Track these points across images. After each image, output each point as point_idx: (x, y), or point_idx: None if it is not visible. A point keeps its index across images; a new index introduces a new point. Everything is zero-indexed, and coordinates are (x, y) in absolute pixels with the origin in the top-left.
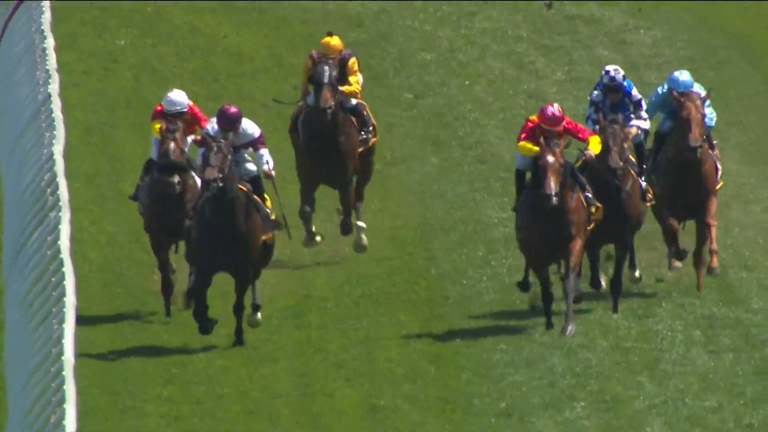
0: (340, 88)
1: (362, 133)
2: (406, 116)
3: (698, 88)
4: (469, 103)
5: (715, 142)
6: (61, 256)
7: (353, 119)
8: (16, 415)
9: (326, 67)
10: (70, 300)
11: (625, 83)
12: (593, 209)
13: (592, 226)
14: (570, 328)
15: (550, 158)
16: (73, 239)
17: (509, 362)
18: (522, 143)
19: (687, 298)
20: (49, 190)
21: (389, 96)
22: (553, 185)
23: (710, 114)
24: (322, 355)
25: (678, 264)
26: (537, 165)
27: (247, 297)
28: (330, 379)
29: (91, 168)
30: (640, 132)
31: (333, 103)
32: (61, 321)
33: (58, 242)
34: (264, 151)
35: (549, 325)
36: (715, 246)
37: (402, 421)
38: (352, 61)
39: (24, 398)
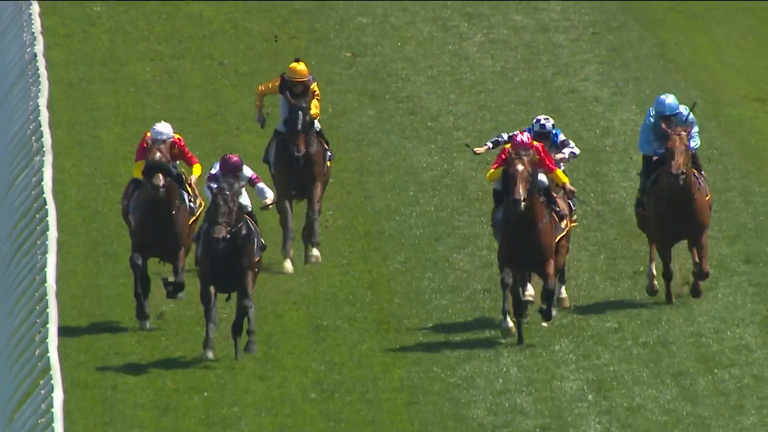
0: (308, 115)
1: (329, 152)
2: (345, 74)
3: (683, 109)
4: (400, 62)
5: (703, 173)
6: (45, 195)
7: (325, 145)
8: (3, 334)
9: (300, 113)
10: (53, 233)
11: (554, 131)
12: (563, 224)
13: (562, 236)
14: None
15: (520, 167)
16: (55, 180)
17: (436, 288)
18: (491, 171)
19: (591, 232)
20: (34, 137)
21: (330, 55)
22: (521, 191)
23: (694, 137)
24: (273, 282)
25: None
26: (507, 174)
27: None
28: (280, 302)
29: (72, 118)
30: (571, 155)
31: (303, 150)
32: (44, 252)
33: (42, 183)
34: (262, 185)
35: (521, 340)
36: (706, 265)
37: (342, 339)
38: (314, 86)
39: (12, 320)
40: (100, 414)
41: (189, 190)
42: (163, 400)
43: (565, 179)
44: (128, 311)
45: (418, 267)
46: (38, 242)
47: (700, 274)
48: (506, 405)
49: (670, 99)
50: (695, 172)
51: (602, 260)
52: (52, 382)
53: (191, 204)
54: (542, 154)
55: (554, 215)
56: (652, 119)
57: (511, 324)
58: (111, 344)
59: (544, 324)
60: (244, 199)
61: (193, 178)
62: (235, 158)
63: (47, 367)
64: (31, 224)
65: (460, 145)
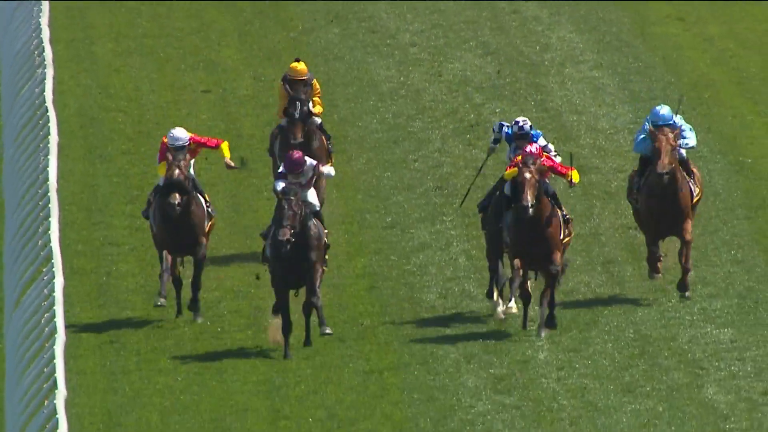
0: (311, 109)
1: (329, 145)
2: None
3: (679, 120)
4: None
5: (694, 168)
6: (46, 104)
7: (323, 138)
8: (10, 228)
9: (298, 103)
10: (54, 138)
11: (533, 132)
12: (567, 230)
13: (567, 240)
14: (542, 333)
15: (527, 174)
16: (55, 91)
17: (393, 186)
18: (507, 172)
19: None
20: (36, 52)
21: None
22: (529, 198)
23: (687, 137)
24: (255, 185)
25: (658, 276)
26: (516, 181)
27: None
28: (259, 199)
29: (70, 35)
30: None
31: (301, 138)
32: (47, 154)
33: (44, 93)
34: (326, 168)
35: (525, 325)
36: (689, 265)
37: None
38: (315, 82)
39: (17, 214)
40: (95, 298)
41: (206, 196)
42: (153, 286)
43: (576, 178)
44: (121, 207)
45: (378, 167)
46: (41, 146)
47: (684, 268)
48: (456, 290)
49: (664, 110)
50: (683, 173)
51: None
52: (53, 269)
53: (208, 209)
54: (552, 163)
55: (560, 217)
56: (647, 127)
57: (501, 311)
58: (106, 235)
59: (542, 334)
60: (312, 198)
61: (227, 158)
62: (297, 155)
63: (49, 256)
64: (34, 130)
65: (416, 59)
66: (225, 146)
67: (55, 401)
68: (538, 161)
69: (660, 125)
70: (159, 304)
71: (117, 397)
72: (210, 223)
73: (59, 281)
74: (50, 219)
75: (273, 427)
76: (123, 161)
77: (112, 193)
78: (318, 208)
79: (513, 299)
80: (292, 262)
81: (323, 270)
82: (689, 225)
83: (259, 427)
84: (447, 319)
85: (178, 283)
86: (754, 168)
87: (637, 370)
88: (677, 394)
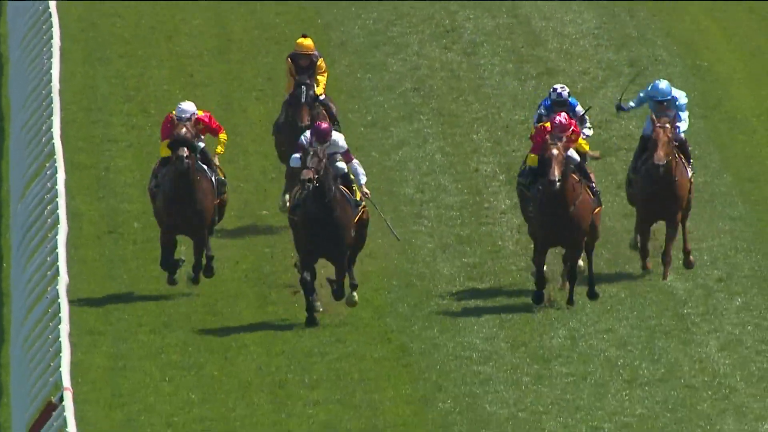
0: (312, 92)
1: (335, 125)
2: None
3: (677, 93)
4: None
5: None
6: (50, 10)
7: (325, 114)
8: (16, 125)
9: (304, 87)
10: (56, 42)
11: (570, 99)
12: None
13: (596, 212)
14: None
15: (555, 150)
16: (62, 27)
17: (374, 87)
18: (531, 156)
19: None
20: None
21: None
22: (557, 173)
23: (682, 118)
24: (244, 115)
25: (648, 266)
26: (543, 157)
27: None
28: (248, 139)
29: None
30: (586, 137)
31: (308, 121)
32: (50, 57)
33: (51, 29)
34: (356, 164)
35: (540, 300)
36: (689, 246)
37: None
38: (320, 61)
39: (23, 112)
40: (95, 191)
41: (215, 166)
42: (149, 180)
43: (586, 147)
44: (119, 106)
45: (360, 70)
46: (44, 50)
47: (667, 255)
48: (432, 184)
49: (663, 84)
50: (681, 157)
51: (512, 65)
52: (56, 164)
53: (218, 178)
54: (576, 131)
55: (588, 191)
56: (641, 97)
57: (545, 294)
58: (105, 133)
59: (569, 304)
60: (340, 163)
61: (220, 148)
62: (324, 125)
63: (52, 152)
64: (38, 35)
65: None
66: (223, 137)
67: (57, 287)
68: (565, 138)
69: (660, 102)
70: (173, 281)
71: (115, 284)
72: (221, 197)
73: (61, 175)
74: (53, 118)
75: (261, 312)
76: (120, 64)
77: (110, 93)
78: (345, 172)
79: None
80: (319, 228)
81: (353, 239)
82: (679, 214)
83: (249, 311)
84: (423, 210)
85: (175, 266)
86: (710, 71)
87: (601, 259)
88: (638, 282)
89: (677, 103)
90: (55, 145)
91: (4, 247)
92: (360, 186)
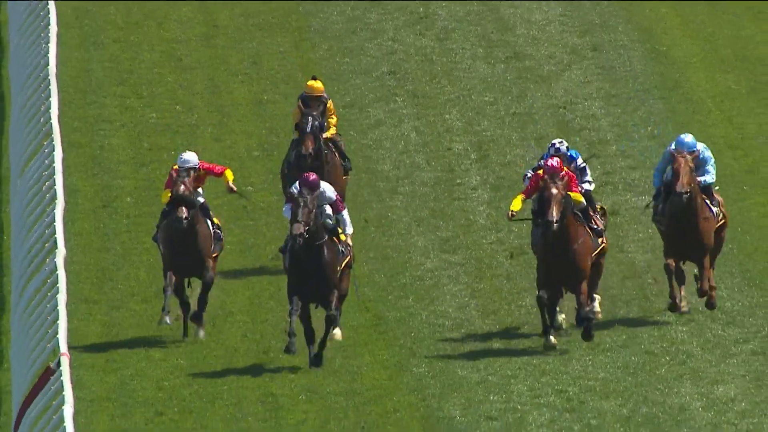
0: (324, 135)
1: (346, 163)
2: None
3: (702, 148)
4: None
5: (717, 196)
6: (50, 26)
7: (336, 154)
8: (15, 106)
9: (310, 118)
10: (53, 28)
11: (570, 152)
12: (600, 240)
13: (602, 248)
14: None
15: (554, 190)
16: (58, 14)
17: (352, 70)
18: (516, 200)
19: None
20: None
21: None
22: (555, 213)
23: (708, 171)
24: (230, 97)
25: (684, 308)
26: (542, 197)
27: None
28: (234, 119)
29: None
30: (585, 190)
31: (312, 150)
32: (47, 42)
33: (48, 16)
34: (345, 214)
35: (548, 332)
36: (713, 283)
37: (279, 109)
38: (330, 103)
39: (22, 95)
40: (90, 168)
41: (215, 220)
42: (141, 158)
43: (580, 199)
44: (113, 88)
45: (339, 54)
46: (42, 35)
47: (700, 291)
48: (407, 162)
49: (688, 138)
50: (706, 199)
51: (481, 50)
52: (53, 143)
53: (217, 231)
54: (571, 180)
55: (590, 233)
56: (666, 158)
57: (553, 340)
58: (99, 113)
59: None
60: (329, 211)
61: (230, 182)
62: (312, 177)
63: (49, 131)
64: (36, 21)
65: None
66: (229, 172)
67: (55, 259)
68: (564, 178)
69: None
70: (164, 322)
71: (109, 256)
72: (218, 248)
73: (58, 153)
74: (50, 99)
75: (247, 282)
76: (114, 48)
77: (104, 76)
78: (335, 226)
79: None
80: (309, 275)
81: (340, 289)
82: (708, 253)
83: (235, 282)
84: (399, 186)
85: (186, 306)
86: (668, 55)
87: None
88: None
89: (701, 156)
90: (53, 125)
91: (5, 221)
92: (346, 236)
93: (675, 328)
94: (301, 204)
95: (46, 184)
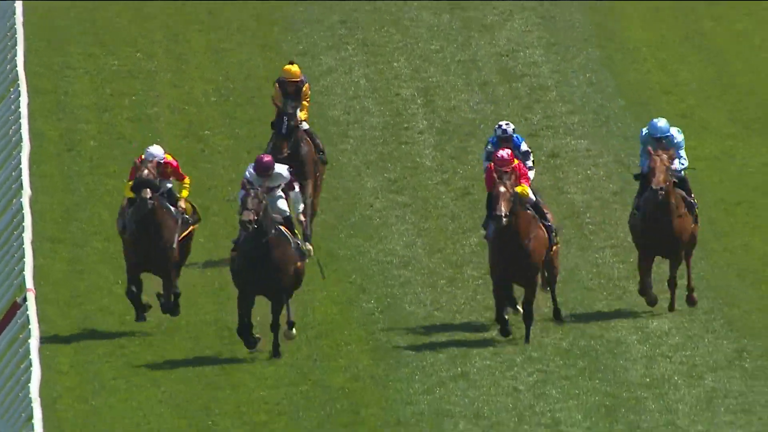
0: (298, 117)
1: (320, 155)
2: None
3: (675, 132)
4: None
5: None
6: None
7: (313, 150)
8: None
9: (285, 118)
10: None
11: (515, 136)
12: (554, 238)
13: (554, 250)
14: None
15: (502, 188)
16: None
17: (305, 19)
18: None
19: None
20: None
21: None
22: (503, 209)
23: (681, 154)
24: (188, 45)
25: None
26: (491, 194)
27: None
28: (192, 66)
29: None
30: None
31: (286, 153)
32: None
33: None
34: (297, 192)
35: (507, 333)
36: (692, 284)
37: (235, 58)
38: (306, 87)
39: None
40: (55, 113)
41: (181, 205)
42: (103, 103)
43: (527, 193)
44: (76, 36)
45: (291, 3)
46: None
47: (672, 283)
48: (357, 107)
49: (661, 122)
50: (682, 194)
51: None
52: (19, 89)
53: (183, 216)
54: (519, 171)
55: (543, 228)
56: (643, 141)
57: (509, 329)
58: (63, 60)
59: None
60: (281, 203)
61: (185, 193)
62: (267, 158)
63: (15, 78)
64: None
65: None
66: (186, 183)
67: (21, 200)
68: (513, 174)
69: (658, 138)
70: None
71: (73, 197)
72: (186, 230)
73: (24, 99)
74: (16, 48)
75: (204, 222)
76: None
77: (68, 25)
78: (287, 214)
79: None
80: (258, 266)
81: (292, 279)
82: (681, 249)
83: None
84: (349, 130)
85: (143, 308)
86: (605, 5)
87: None
88: (542, 193)
89: (674, 141)
90: (19, 72)
91: None
92: (297, 213)
93: (612, 266)
94: (252, 194)
95: (12, 128)
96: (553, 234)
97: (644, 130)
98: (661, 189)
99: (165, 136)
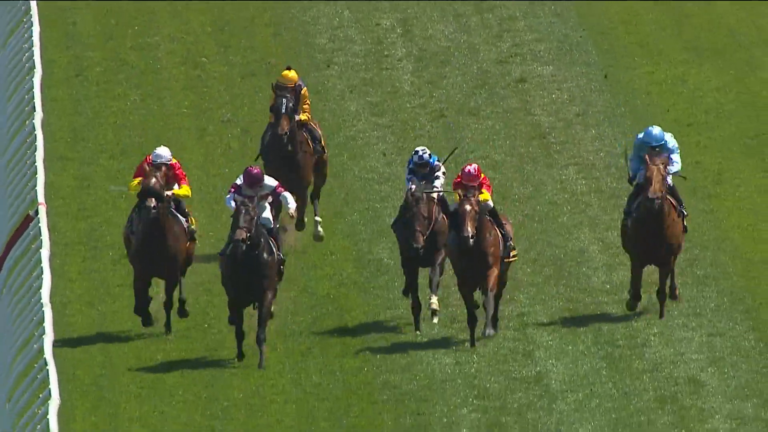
0: (297, 117)
1: (316, 146)
2: None
3: (669, 138)
4: None
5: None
6: None
7: (311, 152)
8: None
9: (284, 100)
10: None
11: (431, 160)
12: (510, 246)
13: (511, 257)
14: (488, 331)
15: (468, 207)
16: None
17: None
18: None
19: None
20: None
21: None
22: (470, 229)
23: (674, 160)
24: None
25: (637, 305)
26: (457, 213)
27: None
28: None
29: None
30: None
31: (287, 129)
32: None
33: None
34: (286, 194)
35: (473, 344)
36: (676, 282)
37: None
38: (304, 90)
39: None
40: (64, 42)
41: (188, 216)
42: (108, 32)
43: (488, 198)
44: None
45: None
46: None
47: (662, 293)
48: (341, 36)
49: (656, 130)
50: (673, 202)
51: None
52: (32, 20)
53: (188, 227)
54: (485, 183)
55: (501, 236)
56: (636, 147)
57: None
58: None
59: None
60: (267, 214)
61: (181, 194)
62: (256, 170)
63: (28, 9)
64: None
65: None
66: (186, 188)
67: (33, 121)
68: (478, 191)
69: (653, 147)
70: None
71: (81, 118)
72: (189, 244)
73: (36, 30)
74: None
75: (200, 142)
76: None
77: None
78: (272, 226)
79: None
80: (246, 278)
81: (275, 290)
82: (674, 255)
83: (189, 139)
84: (333, 57)
85: (149, 317)
86: None
87: (479, 98)
88: (511, 115)
89: (668, 146)
90: (31, 5)
91: None
92: (288, 210)
93: (575, 182)
94: (243, 211)
95: (25, 56)
96: (510, 244)
97: (639, 136)
98: (658, 198)
99: (165, 62)
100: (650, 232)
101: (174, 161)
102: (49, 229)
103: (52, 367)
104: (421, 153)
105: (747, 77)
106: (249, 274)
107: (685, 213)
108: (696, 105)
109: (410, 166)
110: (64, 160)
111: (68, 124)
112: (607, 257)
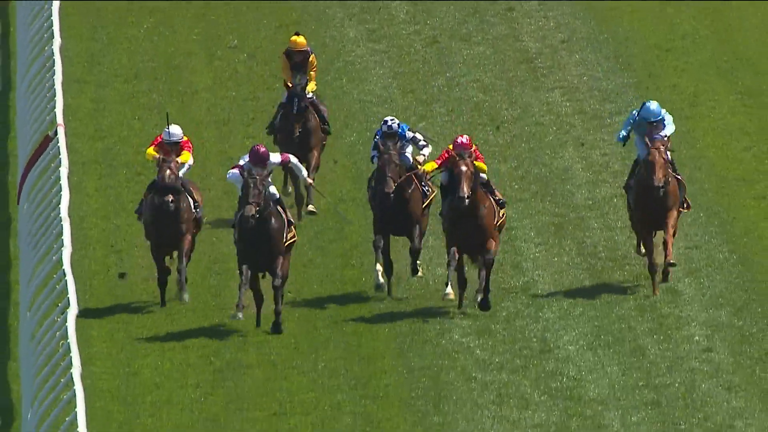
0: (307, 91)
1: (324, 127)
2: None
3: (665, 114)
4: None
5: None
6: None
7: (318, 122)
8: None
9: (296, 99)
10: None
11: (399, 129)
12: (501, 212)
13: (501, 221)
14: (479, 297)
15: (464, 167)
16: None
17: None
18: (429, 164)
19: None
20: None
21: None
22: (466, 189)
23: (669, 123)
24: None
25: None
26: (452, 173)
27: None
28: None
29: None
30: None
31: (299, 131)
32: None
33: None
34: (295, 161)
35: (461, 305)
36: (670, 258)
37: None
38: (312, 57)
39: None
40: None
41: (198, 199)
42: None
43: (485, 167)
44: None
45: None
46: None
47: (666, 264)
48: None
49: (653, 105)
50: (673, 174)
51: None
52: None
53: (197, 211)
54: (476, 154)
55: (494, 202)
56: (634, 119)
57: (450, 294)
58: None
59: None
60: (273, 189)
61: (180, 161)
62: (262, 149)
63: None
64: None
65: None
66: (187, 155)
67: (53, 47)
68: (472, 154)
69: (652, 122)
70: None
71: (97, 44)
72: (196, 224)
73: (56, 4)
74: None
75: (210, 67)
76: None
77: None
78: (277, 197)
79: (449, 285)
80: (257, 246)
81: (286, 257)
82: (675, 215)
83: (199, 63)
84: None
85: (163, 284)
86: None
87: (471, 25)
88: (500, 41)
89: (665, 121)
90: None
91: (11, 14)
92: (304, 179)
93: (561, 104)
94: (251, 185)
95: (45, 27)
96: (502, 210)
97: (635, 113)
98: (662, 186)
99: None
100: (650, 201)
101: (185, 138)
102: (67, 149)
103: (70, 278)
104: (390, 123)
105: (721, 5)
106: (259, 244)
107: (685, 185)
108: (674, 31)
109: (378, 135)
110: (81, 83)
111: (85, 49)
112: (590, 174)
